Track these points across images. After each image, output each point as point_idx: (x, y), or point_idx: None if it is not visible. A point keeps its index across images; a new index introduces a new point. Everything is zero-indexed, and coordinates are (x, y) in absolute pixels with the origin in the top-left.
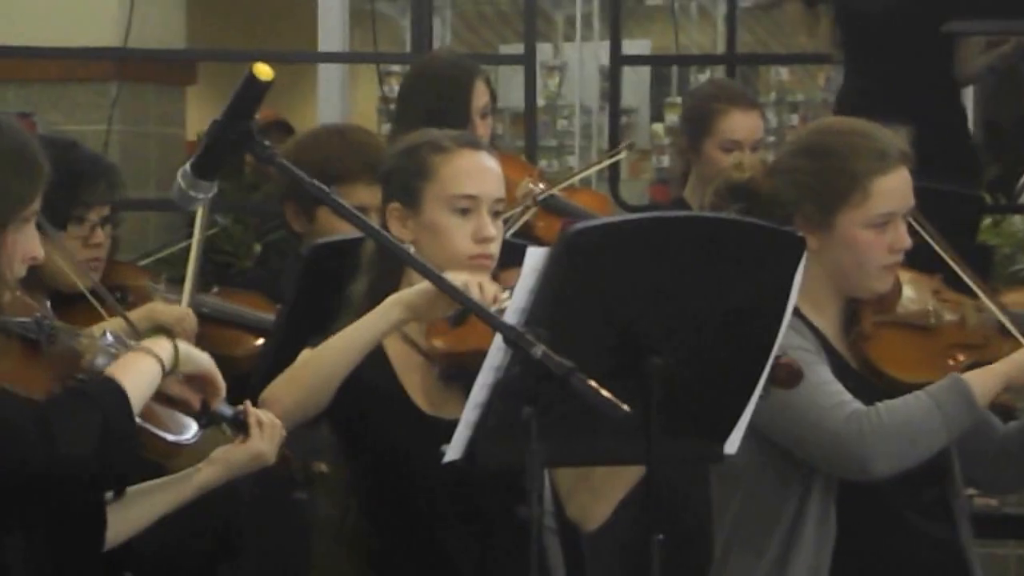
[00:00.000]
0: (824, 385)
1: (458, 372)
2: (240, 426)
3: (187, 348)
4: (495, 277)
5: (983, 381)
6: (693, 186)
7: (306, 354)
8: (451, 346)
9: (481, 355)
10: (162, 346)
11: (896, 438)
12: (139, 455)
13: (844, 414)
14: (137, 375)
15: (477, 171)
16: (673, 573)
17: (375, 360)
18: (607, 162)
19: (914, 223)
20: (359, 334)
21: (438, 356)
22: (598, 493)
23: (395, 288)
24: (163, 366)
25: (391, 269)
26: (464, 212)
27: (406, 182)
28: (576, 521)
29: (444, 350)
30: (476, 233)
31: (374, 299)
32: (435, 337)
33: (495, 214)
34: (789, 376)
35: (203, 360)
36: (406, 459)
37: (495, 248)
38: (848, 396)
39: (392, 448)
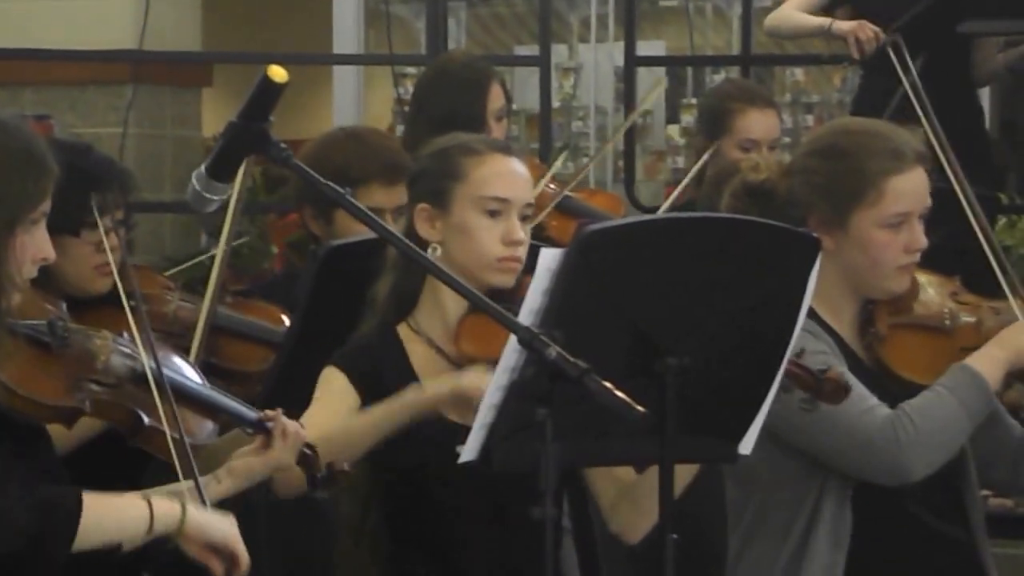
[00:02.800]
0: (855, 389)
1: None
2: (264, 432)
3: (200, 517)
4: (521, 282)
5: (991, 369)
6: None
7: (328, 409)
8: (478, 353)
9: None
10: (167, 507)
11: (931, 443)
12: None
13: (878, 421)
14: (115, 513)
15: (509, 175)
16: (686, 572)
17: (397, 365)
18: (641, 108)
19: (953, 178)
20: (376, 426)
21: (463, 361)
22: (641, 508)
23: (418, 289)
24: (152, 523)
25: (414, 271)
26: (494, 214)
27: (436, 183)
28: (619, 535)
29: (469, 356)
30: (506, 236)
31: (397, 299)
32: (461, 344)
33: (523, 219)
34: (836, 391)
35: (217, 531)
36: (426, 464)
37: (523, 252)
38: (875, 399)
39: (412, 453)
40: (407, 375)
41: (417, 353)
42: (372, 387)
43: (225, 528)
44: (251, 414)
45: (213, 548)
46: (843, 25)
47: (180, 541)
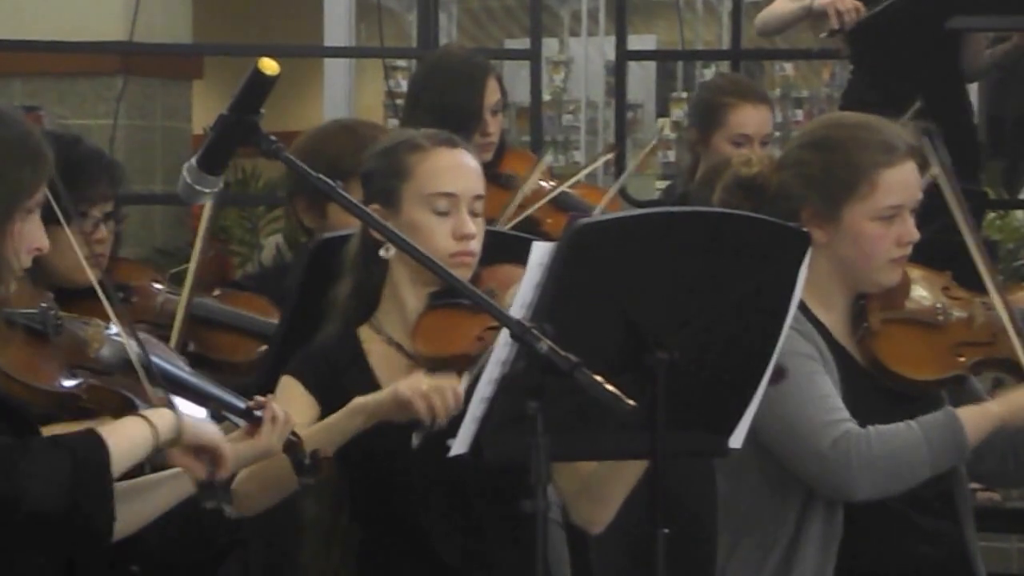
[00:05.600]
0: (822, 399)
1: (441, 375)
2: (252, 420)
3: (192, 422)
4: (478, 275)
5: (977, 422)
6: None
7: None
8: (436, 350)
9: (466, 360)
10: (163, 416)
11: (881, 468)
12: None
13: (835, 435)
14: (124, 438)
15: (454, 168)
16: (676, 566)
17: (355, 365)
18: (590, 169)
19: (943, 184)
20: (322, 438)
21: (423, 360)
22: (599, 498)
23: (379, 289)
24: (157, 435)
25: (376, 269)
26: (442, 211)
27: (384, 183)
28: (581, 526)
29: (429, 354)
30: (456, 231)
31: (359, 300)
32: (419, 341)
33: (474, 212)
34: (772, 373)
35: (207, 434)
36: (389, 459)
37: (476, 245)
38: (844, 414)
39: (374, 449)
40: (365, 375)
41: (376, 352)
42: (329, 391)
43: (213, 429)
44: (240, 403)
45: (198, 450)
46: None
47: (172, 452)
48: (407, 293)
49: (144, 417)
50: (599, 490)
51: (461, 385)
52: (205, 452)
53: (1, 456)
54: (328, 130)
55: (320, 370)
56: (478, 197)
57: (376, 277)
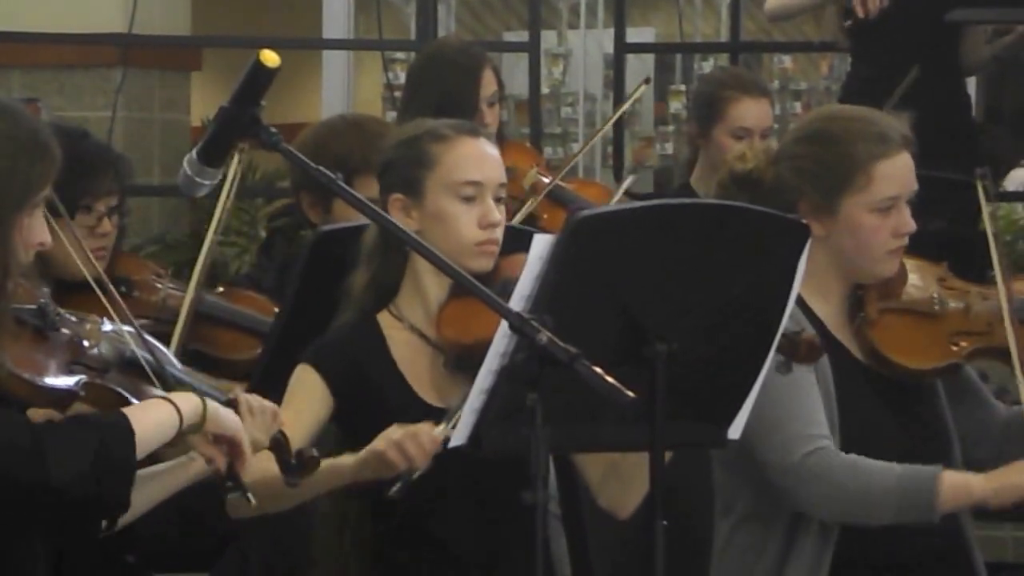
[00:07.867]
0: (810, 413)
1: (466, 363)
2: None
3: (216, 409)
4: (499, 264)
5: (956, 494)
6: (700, 172)
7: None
8: (458, 336)
9: (488, 345)
10: (188, 400)
11: (843, 497)
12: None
13: (809, 448)
14: (151, 420)
15: (479, 157)
16: (674, 556)
17: (377, 355)
18: (627, 104)
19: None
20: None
21: (446, 345)
22: (628, 483)
23: (399, 277)
24: (181, 418)
25: (394, 260)
26: (468, 199)
27: (407, 172)
28: (608, 511)
29: (452, 340)
30: (482, 219)
31: (376, 291)
32: (444, 328)
33: (497, 200)
34: (810, 351)
35: (230, 423)
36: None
37: (500, 234)
38: (823, 430)
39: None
40: (387, 364)
41: (398, 341)
42: (350, 383)
43: (236, 421)
44: (220, 397)
45: (221, 440)
46: None
47: (195, 439)
48: (429, 282)
49: (171, 400)
50: (628, 475)
51: (437, 430)
52: (225, 442)
53: (29, 438)
54: (335, 126)
55: (340, 357)
56: (502, 185)
57: (394, 267)
